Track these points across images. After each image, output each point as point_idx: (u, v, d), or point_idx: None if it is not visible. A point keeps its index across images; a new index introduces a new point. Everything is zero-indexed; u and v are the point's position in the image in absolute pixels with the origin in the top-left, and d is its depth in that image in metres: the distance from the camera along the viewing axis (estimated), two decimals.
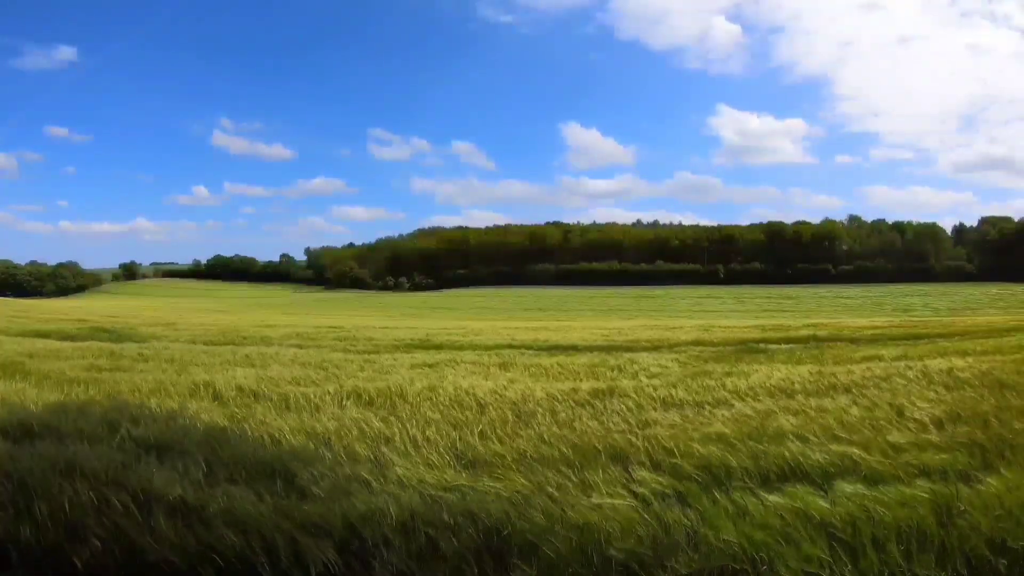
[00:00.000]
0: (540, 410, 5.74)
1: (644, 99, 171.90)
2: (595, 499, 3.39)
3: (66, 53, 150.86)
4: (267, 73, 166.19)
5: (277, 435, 4.87)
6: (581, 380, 7.56)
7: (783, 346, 13.11)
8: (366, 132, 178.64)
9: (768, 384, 7.08)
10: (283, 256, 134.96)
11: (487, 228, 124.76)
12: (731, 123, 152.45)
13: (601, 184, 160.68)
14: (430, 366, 9.48)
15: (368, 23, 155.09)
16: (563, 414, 5.60)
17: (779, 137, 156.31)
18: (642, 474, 3.80)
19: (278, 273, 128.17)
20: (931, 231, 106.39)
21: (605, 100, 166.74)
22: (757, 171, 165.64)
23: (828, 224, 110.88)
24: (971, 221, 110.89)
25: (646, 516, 3.14)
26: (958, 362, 8.45)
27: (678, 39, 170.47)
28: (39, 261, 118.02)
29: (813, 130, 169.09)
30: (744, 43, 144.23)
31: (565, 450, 4.34)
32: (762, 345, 13.34)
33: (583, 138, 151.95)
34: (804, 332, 16.41)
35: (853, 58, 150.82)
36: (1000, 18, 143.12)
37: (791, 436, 4.57)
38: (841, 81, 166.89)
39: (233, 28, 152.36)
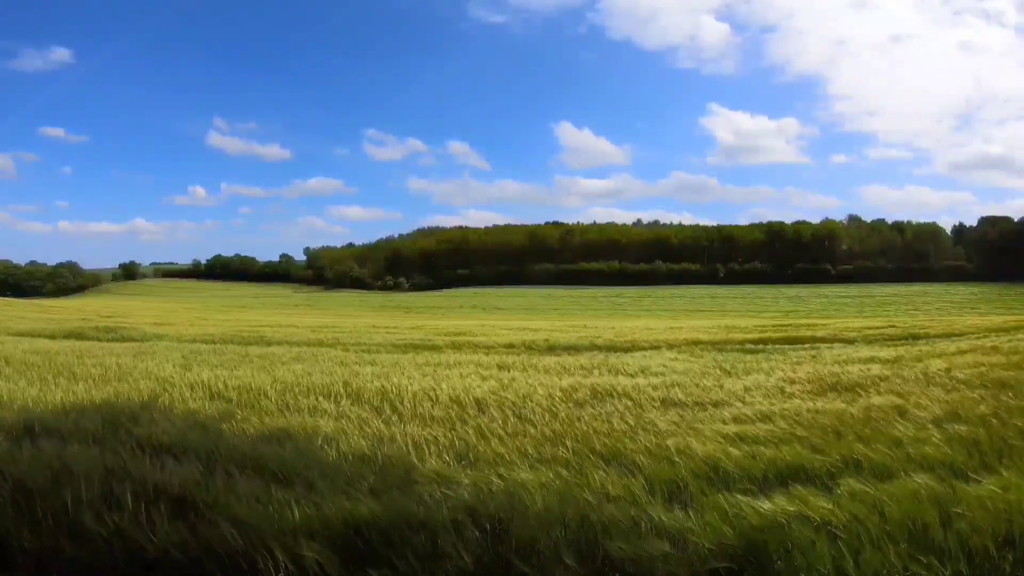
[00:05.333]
0: (540, 410, 5.75)
1: (637, 99, 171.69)
2: (595, 499, 3.40)
3: (61, 54, 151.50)
4: (261, 74, 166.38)
5: (278, 434, 4.89)
6: (581, 380, 7.57)
7: (783, 346, 13.12)
8: (361, 132, 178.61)
9: (768, 384, 7.09)
10: (283, 256, 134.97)
11: (487, 228, 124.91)
12: (725, 123, 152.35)
13: (597, 183, 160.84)
14: (430, 366, 9.48)
15: (361, 24, 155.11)
16: (563, 414, 5.61)
17: (773, 137, 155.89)
18: (641, 474, 3.82)
19: (278, 273, 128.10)
20: (931, 231, 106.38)
21: (598, 100, 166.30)
22: (752, 171, 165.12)
23: (828, 224, 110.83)
24: (969, 220, 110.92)
25: (646, 516, 3.15)
26: (957, 362, 8.46)
27: (670, 38, 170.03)
28: (38, 261, 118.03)
29: (807, 130, 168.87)
30: (736, 42, 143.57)
31: (564, 450, 4.35)
32: (761, 346, 13.35)
33: (576, 138, 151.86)
34: (804, 332, 16.40)
35: (846, 57, 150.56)
36: (993, 16, 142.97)
37: (790, 436, 4.58)
38: (835, 80, 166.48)
39: (227, 29, 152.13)
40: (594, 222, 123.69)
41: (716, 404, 6.00)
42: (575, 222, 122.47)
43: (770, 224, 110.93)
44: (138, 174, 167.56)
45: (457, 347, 14.26)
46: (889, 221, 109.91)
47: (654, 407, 5.90)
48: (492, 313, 63.42)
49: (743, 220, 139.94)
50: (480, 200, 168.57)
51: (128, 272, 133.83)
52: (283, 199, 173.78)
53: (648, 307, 71.22)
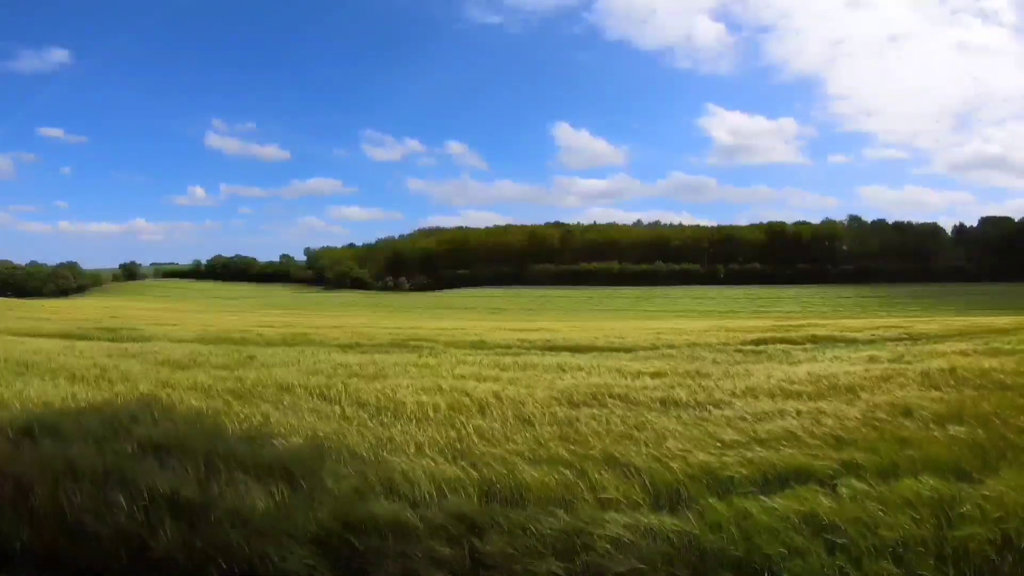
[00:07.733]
0: (540, 410, 5.74)
1: (634, 99, 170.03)
2: (595, 500, 3.39)
3: (59, 55, 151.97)
4: (259, 75, 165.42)
5: (278, 435, 4.88)
6: (581, 381, 7.56)
7: (783, 347, 13.11)
8: (359, 133, 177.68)
9: (768, 385, 7.07)
10: (283, 256, 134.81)
11: (487, 228, 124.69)
12: (722, 123, 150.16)
13: (595, 184, 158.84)
14: (431, 366, 9.47)
15: (358, 24, 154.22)
16: (563, 415, 5.59)
17: (771, 137, 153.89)
18: (640, 475, 3.80)
19: (278, 273, 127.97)
20: (931, 231, 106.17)
21: (595, 100, 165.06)
22: (751, 171, 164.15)
23: (828, 224, 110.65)
24: (969, 220, 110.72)
25: (646, 518, 3.14)
26: (958, 362, 8.44)
27: (667, 39, 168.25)
28: (38, 262, 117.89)
29: (805, 130, 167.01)
30: (733, 42, 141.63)
31: (564, 451, 4.34)
32: (762, 346, 13.33)
33: (573, 138, 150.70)
34: (804, 333, 16.37)
35: (844, 57, 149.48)
36: (990, 15, 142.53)
37: (791, 437, 4.57)
38: (832, 80, 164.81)
39: (225, 30, 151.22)
40: (594, 223, 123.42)
41: (716, 405, 5.98)
42: (575, 222, 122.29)
43: (771, 224, 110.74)
44: (137, 174, 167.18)
45: (457, 347, 14.24)
46: (889, 221, 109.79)
47: (654, 408, 5.88)
48: (492, 313, 63.35)
49: (742, 220, 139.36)
50: (479, 200, 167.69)
51: (128, 272, 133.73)
52: (282, 199, 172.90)
53: (648, 308, 71.17)
